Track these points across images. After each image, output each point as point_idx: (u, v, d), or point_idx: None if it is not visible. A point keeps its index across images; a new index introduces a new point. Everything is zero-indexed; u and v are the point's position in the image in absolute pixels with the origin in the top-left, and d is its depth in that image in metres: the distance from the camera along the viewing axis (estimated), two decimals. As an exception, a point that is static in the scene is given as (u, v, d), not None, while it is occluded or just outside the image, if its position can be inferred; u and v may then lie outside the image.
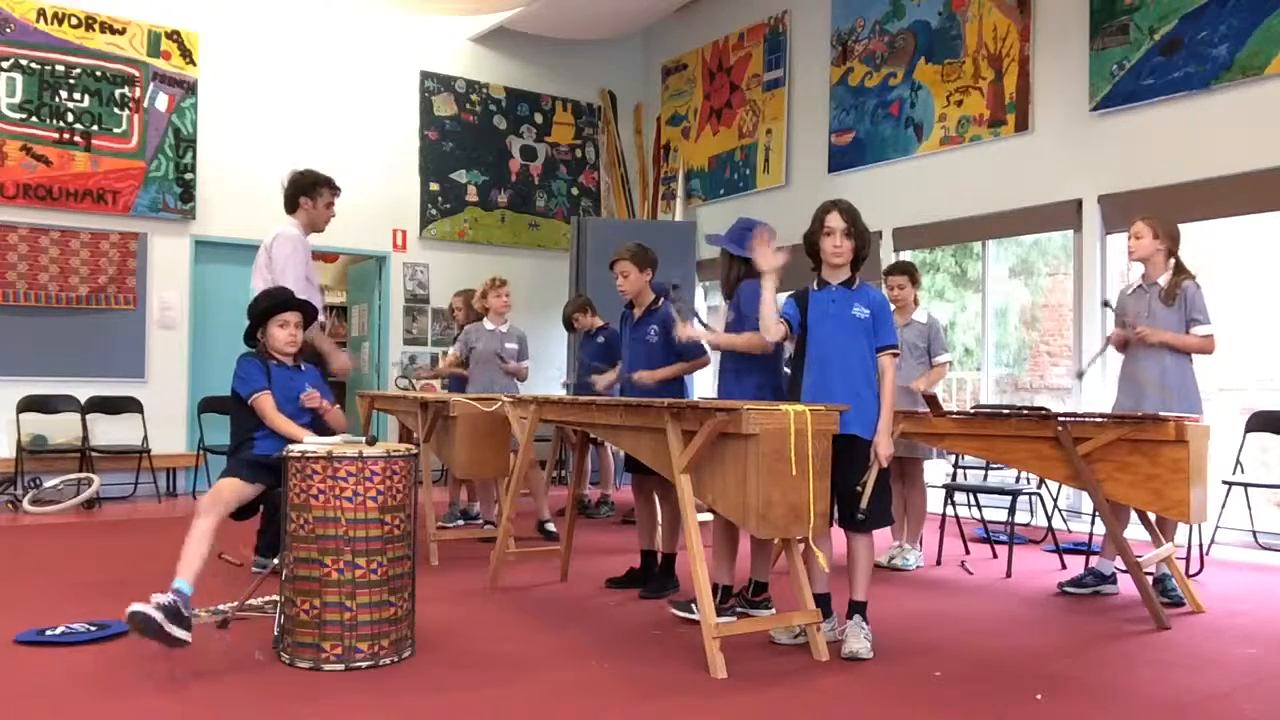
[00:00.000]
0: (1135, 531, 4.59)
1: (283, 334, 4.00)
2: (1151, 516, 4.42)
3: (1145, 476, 3.89)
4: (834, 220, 3.59)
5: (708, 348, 4.58)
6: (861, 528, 3.58)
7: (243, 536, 4.67)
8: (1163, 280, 4.53)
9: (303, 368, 4.12)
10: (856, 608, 3.56)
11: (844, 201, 3.65)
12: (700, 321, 4.35)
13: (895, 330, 3.69)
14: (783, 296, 3.74)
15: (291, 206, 5.05)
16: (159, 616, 3.15)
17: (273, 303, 4.00)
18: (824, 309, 3.64)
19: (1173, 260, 4.55)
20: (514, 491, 4.73)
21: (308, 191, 5.03)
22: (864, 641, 3.47)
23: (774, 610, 4.03)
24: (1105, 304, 5.00)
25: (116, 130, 8.05)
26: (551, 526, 6.08)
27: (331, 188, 5.10)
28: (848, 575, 3.61)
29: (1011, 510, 5.29)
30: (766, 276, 3.60)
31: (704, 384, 9.06)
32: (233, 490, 3.72)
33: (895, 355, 3.64)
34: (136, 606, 3.16)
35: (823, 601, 3.65)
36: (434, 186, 9.61)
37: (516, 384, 6.53)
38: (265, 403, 3.91)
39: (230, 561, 4.71)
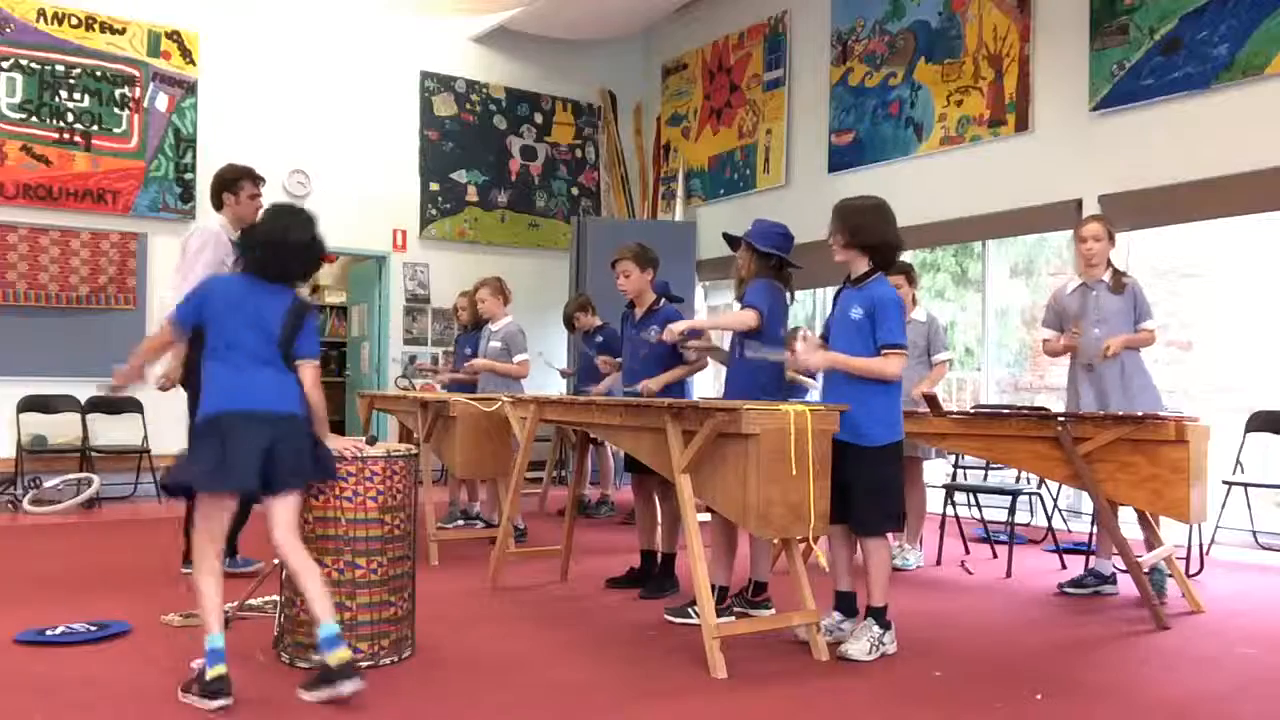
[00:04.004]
0: (1135, 531, 4.59)
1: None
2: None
3: (1145, 476, 3.89)
4: (831, 224, 3.60)
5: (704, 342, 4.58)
6: (870, 531, 3.56)
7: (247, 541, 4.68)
8: (1107, 277, 4.67)
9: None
10: (871, 612, 3.52)
11: (846, 202, 3.63)
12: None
13: (898, 328, 3.50)
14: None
15: (217, 204, 4.84)
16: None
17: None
18: (835, 310, 3.69)
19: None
20: (514, 491, 4.73)
21: (229, 187, 4.80)
22: (863, 643, 3.45)
23: (774, 610, 4.03)
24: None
25: (116, 130, 8.05)
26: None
27: (253, 179, 4.85)
28: (863, 576, 3.60)
29: (1011, 510, 5.29)
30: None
31: (704, 384, 9.06)
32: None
33: (896, 354, 3.48)
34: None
35: (846, 600, 3.65)
36: (434, 186, 9.61)
37: (516, 384, 6.39)
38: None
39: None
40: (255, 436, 2.92)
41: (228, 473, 2.90)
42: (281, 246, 3.08)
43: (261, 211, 3.41)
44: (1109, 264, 4.71)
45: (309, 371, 3.11)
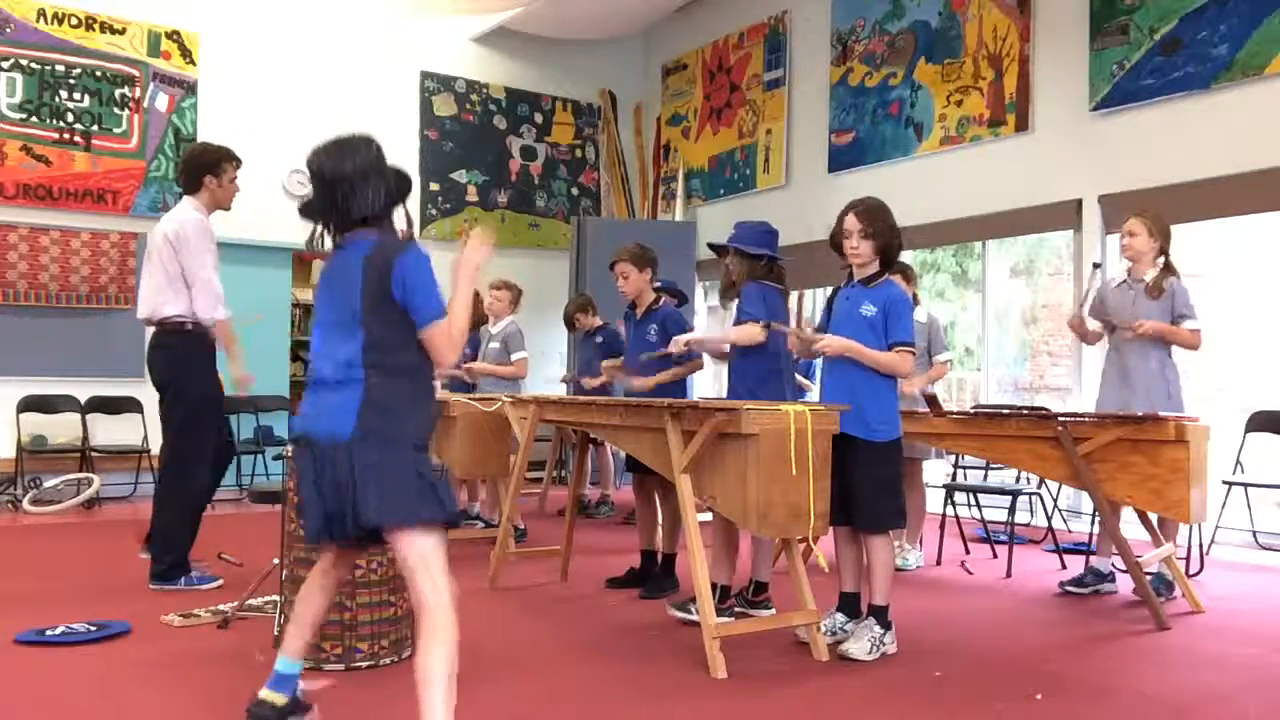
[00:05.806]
0: (1136, 531, 4.59)
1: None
2: (1153, 517, 4.42)
3: (1145, 476, 3.89)
4: (850, 223, 3.58)
5: (705, 355, 4.60)
6: (880, 526, 3.56)
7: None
8: (1149, 276, 4.53)
9: None
10: (873, 611, 3.53)
11: (864, 202, 3.63)
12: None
13: (909, 328, 3.59)
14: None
15: (194, 186, 4.50)
16: None
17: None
18: (838, 308, 3.68)
19: (1162, 258, 4.56)
20: (514, 491, 4.73)
21: (212, 169, 4.49)
22: (864, 643, 3.45)
23: (774, 610, 4.03)
24: (1096, 265, 5.02)
25: (116, 130, 8.05)
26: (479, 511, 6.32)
27: (234, 161, 4.57)
28: (866, 578, 3.60)
29: (1011, 510, 5.29)
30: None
31: (704, 384, 9.06)
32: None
33: (909, 352, 3.56)
34: None
35: (850, 601, 3.65)
36: (434, 186, 9.61)
37: (513, 383, 6.41)
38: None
39: (230, 562, 4.72)
40: (306, 470, 2.49)
41: (304, 515, 2.52)
42: (332, 184, 2.46)
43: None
44: (1157, 262, 4.52)
45: (434, 337, 2.43)
